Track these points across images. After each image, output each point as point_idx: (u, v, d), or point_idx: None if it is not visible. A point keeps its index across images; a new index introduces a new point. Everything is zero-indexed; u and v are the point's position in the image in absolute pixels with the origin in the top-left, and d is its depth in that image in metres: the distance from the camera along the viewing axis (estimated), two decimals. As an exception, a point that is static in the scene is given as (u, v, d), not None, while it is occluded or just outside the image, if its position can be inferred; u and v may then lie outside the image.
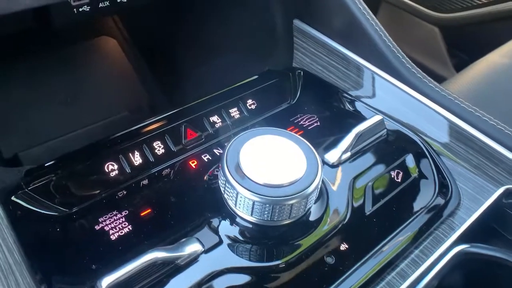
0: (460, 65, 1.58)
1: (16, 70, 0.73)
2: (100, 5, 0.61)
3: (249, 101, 0.60)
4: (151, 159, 0.52)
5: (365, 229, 0.45)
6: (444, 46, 1.63)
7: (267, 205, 0.39)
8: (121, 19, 0.80)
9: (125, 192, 0.48)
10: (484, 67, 0.96)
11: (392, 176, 0.50)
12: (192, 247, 0.40)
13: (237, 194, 0.40)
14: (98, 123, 0.71)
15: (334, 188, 0.48)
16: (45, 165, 0.49)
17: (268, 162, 0.41)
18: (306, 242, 0.42)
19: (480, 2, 1.49)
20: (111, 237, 0.42)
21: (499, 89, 0.86)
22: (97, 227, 0.43)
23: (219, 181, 0.43)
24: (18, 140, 0.68)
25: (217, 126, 0.57)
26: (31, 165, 0.49)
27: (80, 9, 0.60)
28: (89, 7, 0.60)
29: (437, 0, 1.58)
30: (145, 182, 0.49)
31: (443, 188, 0.49)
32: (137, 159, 0.51)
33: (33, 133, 0.69)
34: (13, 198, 0.45)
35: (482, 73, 0.93)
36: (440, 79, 1.05)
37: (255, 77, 0.65)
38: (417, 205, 0.47)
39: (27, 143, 0.67)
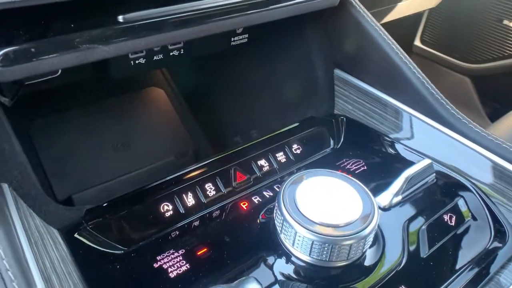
0: (493, 114, 1.58)
1: (73, 116, 0.79)
2: (155, 58, 0.66)
3: (295, 146, 0.63)
4: (204, 200, 0.54)
5: (422, 273, 0.44)
6: (476, 96, 1.65)
7: (326, 244, 0.40)
8: (169, 69, 0.86)
9: (180, 232, 0.50)
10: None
11: (445, 220, 0.50)
12: (250, 286, 0.41)
13: (295, 233, 0.41)
14: (146, 167, 0.75)
15: (388, 231, 0.48)
16: (105, 205, 0.51)
17: (324, 203, 0.43)
18: (364, 285, 0.42)
19: (509, 53, 1.51)
20: (170, 275, 0.43)
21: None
22: (155, 265, 0.45)
23: (276, 221, 0.44)
24: (72, 183, 0.72)
25: (264, 170, 0.59)
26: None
27: (137, 61, 0.65)
28: (144, 60, 0.65)
29: (467, 51, 1.62)
30: (199, 222, 0.51)
31: (499, 231, 0.49)
32: (190, 200, 0.53)
33: (86, 176, 0.73)
34: (76, 235, 0.47)
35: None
36: None
37: (298, 123, 0.68)
38: (474, 248, 0.47)
39: (81, 186, 0.71)
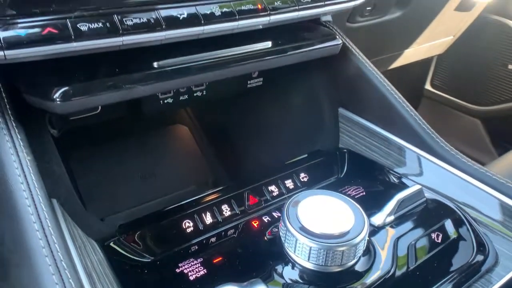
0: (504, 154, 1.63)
1: (106, 148, 0.89)
2: (181, 98, 0.77)
3: (302, 175, 0.71)
4: (220, 219, 0.62)
5: (408, 281, 0.51)
6: (487, 137, 1.70)
7: (322, 250, 0.48)
8: (193, 109, 0.98)
9: (199, 245, 0.58)
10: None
11: (433, 238, 0.57)
12: (258, 287, 0.48)
13: (296, 240, 0.49)
14: (170, 195, 0.84)
15: (381, 245, 0.55)
16: (135, 220, 0.60)
17: (321, 217, 0.51)
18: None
19: (519, 95, 1.58)
20: (190, 277, 0.51)
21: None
22: (177, 270, 0.53)
23: (280, 232, 0.52)
24: (103, 208, 0.81)
25: (274, 194, 0.67)
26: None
27: (165, 101, 0.76)
28: (172, 99, 0.76)
29: (476, 94, 1.70)
30: (215, 237, 0.59)
31: (481, 247, 0.55)
32: (208, 218, 0.62)
33: (115, 201, 0.83)
34: (111, 244, 0.56)
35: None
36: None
37: (306, 155, 0.77)
38: (457, 262, 0.53)
39: (111, 210, 0.80)
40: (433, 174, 0.66)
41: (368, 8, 1.09)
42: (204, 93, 0.79)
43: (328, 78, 0.81)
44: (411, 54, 1.50)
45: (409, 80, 1.82)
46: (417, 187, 0.62)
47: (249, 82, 0.83)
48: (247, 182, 0.68)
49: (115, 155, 0.89)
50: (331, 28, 0.79)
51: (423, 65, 1.76)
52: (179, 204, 0.63)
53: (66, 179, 0.59)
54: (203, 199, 0.64)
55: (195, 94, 0.78)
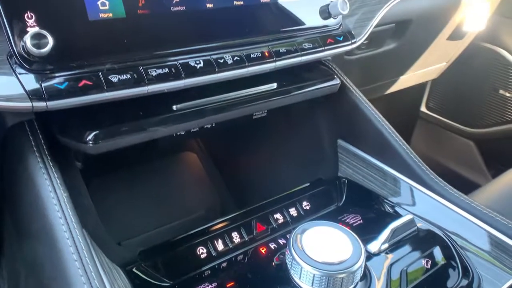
0: (497, 175, 1.70)
1: (120, 176, 0.96)
2: (192, 130, 0.84)
3: (304, 203, 0.78)
4: (230, 246, 0.69)
5: (402, 303, 0.58)
6: (480, 158, 1.78)
7: (324, 277, 0.54)
8: (201, 138, 1.05)
9: (212, 270, 0.64)
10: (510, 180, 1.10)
11: (423, 264, 0.63)
12: (267, 309, 0.55)
13: (301, 268, 0.56)
14: (180, 220, 0.91)
15: (376, 271, 0.62)
16: (154, 247, 0.67)
17: (323, 246, 0.57)
18: (354, 311, 0.56)
19: (510, 119, 1.66)
20: (206, 301, 0.58)
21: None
22: (194, 294, 0.59)
23: (286, 260, 0.59)
24: (119, 233, 0.88)
25: (279, 222, 0.74)
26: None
27: (178, 133, 0.83)
28: (184, 132, 0.83)
29: (469, 117, 1.78)
30: (227, 263, 0.66)
31: (466, 272, 0.62)
32: (220, 245, 0.68)
33: (130, 227, 0.89)
34: (133, 270, 0.63)
35: (509, 185, 1.07)
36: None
37: (308, 184, 0.84)
38: (444, 286, 0.60)
39: (126, 235, 0.87)
40: (424, 204, 0.73)
41: (365, 42, 1.17)
42: (213, 126, 0.86)
43: (328, 112, 0.88)
44: (406, 80, 1.58)
45: (406, 103, 1.90)
46: (409, 216, 0.69)
47: (254, 114, 0.91)
48: (255, 210, 0.75)
49: (127, 182, 0.96)
50: (330, 67, 0.87)
51: (418, 88, 1.84)
52: (193, 231, 0.70)
53: (93, 210, 0.66)
54: (215, 226, 0.71)
55: (205, 127, 0.85)
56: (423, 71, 1.60)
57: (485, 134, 1.75)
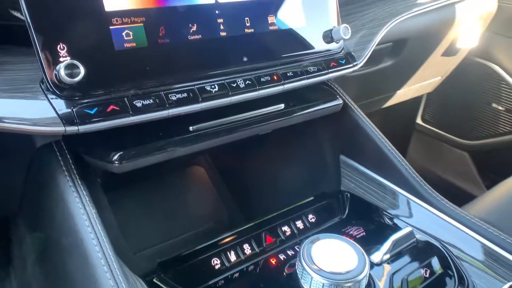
0: (491, 185, 1.76)
1: (130, 191, 1.01)
2: (204, 147, 0.90)
3: (310, 216, 0.84)
4: (242, 257, 0.74)
5: (403, 310, 0.63)
6: (474, 169, 1.84)
7: (333, 286, 0.60)
8: (209, 153, 1.11)
9: (226, 280, 0.70)
10: (504, 191, 1.16)
11: (422, 273, 0.69)
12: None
13: (311, 278, 0.61)
14: (190, 232, 0.96)
15: (379, 280, 0.67)
16: (172, 258, 0.72)
17: (331, 257, 0.63)
18: (360, 317, 0.61)
19: (503, 131, 1.73)
20: (222, 309, 0.63)
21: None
22: (210, 302, 0.64)
23: (297, 270, 0.64)
24: (131, 244, 0.92)
25: (287, 234, 0.80)
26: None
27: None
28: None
29: (464, 129, 1.84)
30: (239, 273, 0.71)
31: (462, 280, 0.67)
32: (232, 257, 0.74)
33: (142, 239, 0.94)
34: (154, 280, 0.68)
35: (502, 196, 1.13)
36: (472, 198, 1.24)
37: (313, 198, 0.89)
38: (442, 294, 0.66)
39: (139, 247, 0.92)
40: (421, 216, 0.79)
41: (363, 60, 1.24)
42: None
43: (331, 129, 0.94)
44: (402, 94, 1.65)
45: (402, 115, 1.97)
46: (409, 229, 0.74)
47: (261, 131, 0.97)
48: (264, 223, 0.80)
49: (137, 196, 1.01)
50: (333, 87, 0.93)
51: (414, 101, 1.91)
52: (207, 244, 0.75)
53: (114, 224, 0.71)
54: (227, 239, 0.77)
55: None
56: (419, 85, 1.67)
57: (479, 145, 1.81)
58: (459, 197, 1.84)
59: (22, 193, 0.81)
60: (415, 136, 2.04)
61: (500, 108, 1.71)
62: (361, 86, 1.38)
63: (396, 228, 0.77)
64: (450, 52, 1.55)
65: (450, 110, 1.88)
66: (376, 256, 0.71)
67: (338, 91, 0.91)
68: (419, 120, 2.01)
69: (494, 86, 1.70)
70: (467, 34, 1.49)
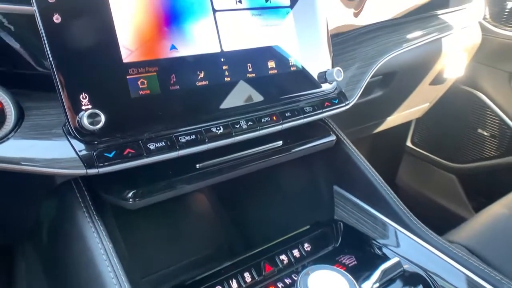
0: (478, 207, 1.84)
1: (133, 218, 1.08)
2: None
3: (306, 245, 0.91)
4: (243, 285, 0.81)
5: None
6: (462, 191, 1.93)
7: (327, 314, 0.67)
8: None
9: (229, 308, 0.76)
10: (488, 217, 1.25)
11: (409, 301, 0.77)
12: None
13: (308, 307, 0.68)
14: (191, 259, 1.02)
15: (369, 307, 0.75)
16: (178, 284, 0.79)
17: (325, 287, 0.70)
18: None
19: (488, 156, 1.82)
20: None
21: (499, 236, 1.13)
22: (216, 329, 0.71)
23: (295, 299, 0.71)
24: (138, 269, 0.99)
25: (285, 263, 0.87)
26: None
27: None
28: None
29: (452, 152, 1.94)
30: (241, 301, 0.78)
31: (444, 307, 0.75)
32: (234, 285, 0.80)
33: (146, 264, 1.00)
34: (162, 307, 0.74)
35: (485, 222, 1.21)
36: (460, 220, 1.32)
37: (308, 226, 0.97)
38: (427, 319, 0.73)
39: (143, 272, 0.98)
40: (408, 246, 0.87)
41: (355, 92, 1.32)
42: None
43: (325, 162, 1.02)
44: (392, 120, 1.74)
45: (392, 138, 2.06)
46: (396, 259, 0.82)
47: (259, 162, 1.04)
48: (263, 252, 0.87)
49: (139, 223, 1.07)
50: (327, 122, 1.01)
51: (404, 125, 2.01)
52: (211, 272, 0.82)
53: (126, 255, 0.78)
54: (229, 267, 0.83)
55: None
56: (408, 111, 1.76)
57: (466, 169, 1.90)
58: (448, 219, 1.94)
59: (33, 224, 0.88)
60: (406, 158, 2.13)
61: (485, 133, 1.81)
62: (353, 114, 1.46)
63: (385, 258, 0.85)
64: (437, 81, 1.64)
65: (438, 134, 1.97)
66: (367, 285, 0.78)
67: (332, 127, 0.99)
68: (409, 143, 2.10)
69: (479, 113, 1.80)
70: (453, 65, 1.59)
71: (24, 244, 1.00)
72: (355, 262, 0.86)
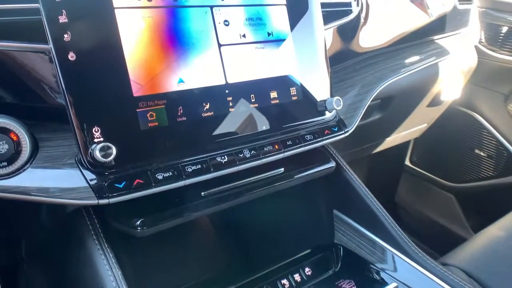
0: (476, 226, 1.88)
1: (139, 242, 1.11)
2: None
3: (307, 269, 0.94)
4: (248, 309, 0.84)
5: None
6: (460, 210, 1.96)
7: None
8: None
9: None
10: (485, 240, 1.28)
11: (407, 324, 0.80)
12: None
13: (310, 333, 0.71)
14: (194, 282, 1.05)
15: (368, 332, 0.78)
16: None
17: (326, 313, 0.74)
18: None
19: (485, 176, 1.86)
20: None
21: (495, 259, 1.16)
22: None
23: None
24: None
25: (286, 287, 0.90)
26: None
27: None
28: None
29: (449, 172, 1.97)
30: (245, 325, 0.81)
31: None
32: (239, 309, 0.84)
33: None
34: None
35: (483, 245, 1.25)
36: (458, 239, 1.35)
37: (309, 250, 1.00)
38: None
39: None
40: (406, 271, 0.90)
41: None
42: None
43: (325, 187, 1.06)
44: (391, 141, 1.78)
45: (391, 157, 2.10)
46: (394, 284, 0.85)
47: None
48: (265, 276, 0.91)
49: (145, 246, 1.11)
50: (327, 148, 1.05)
51: (402, 144, 2.05)
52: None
53: (134, 280, 0.81)
54: (235, 291, 0.87)
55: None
56: (406, 132, 1.81)
57: (464, 188, 1.94)
58: (446, 237, 1.97)
59: (39, 247, 0.91)
60: (404, 177, 2.17)
61: (482, 154, 1.85)
62: (353, 137, 1.51)
63: (384, 283, 0.88)
64: (434, 103, 1.69)
65: (437, 154, 2.02)
66: (366, 310, 0.81)
67: (331, 153, 1.03)
68: (407, 162, 2.14)
69: (476, 134, 1.85)
70: (450, 87, 1.64)
71: (29, 266, 1.03)
72: (355, 287, 0.89)
